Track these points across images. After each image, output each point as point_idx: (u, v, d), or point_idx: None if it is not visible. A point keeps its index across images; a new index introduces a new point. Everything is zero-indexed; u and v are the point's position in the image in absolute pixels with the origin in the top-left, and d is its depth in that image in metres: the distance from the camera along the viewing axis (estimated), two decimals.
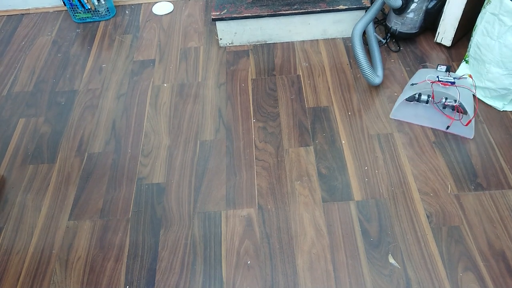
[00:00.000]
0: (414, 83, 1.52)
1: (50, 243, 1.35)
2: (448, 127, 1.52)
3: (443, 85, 1.44)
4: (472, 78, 1.59)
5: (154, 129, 1.66)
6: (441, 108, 1.54)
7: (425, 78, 1.49)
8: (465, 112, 1.47)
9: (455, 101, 1.46)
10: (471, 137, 1.51)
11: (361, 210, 1.36)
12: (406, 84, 1.64)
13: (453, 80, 1.46)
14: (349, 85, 1.76)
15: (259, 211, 1.38)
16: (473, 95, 1.54)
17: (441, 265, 1.23)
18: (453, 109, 1.51)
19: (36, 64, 1.99)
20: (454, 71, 1.75)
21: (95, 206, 1.43)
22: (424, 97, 1.55)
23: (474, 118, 1.48)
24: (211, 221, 1.37)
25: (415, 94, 1.54)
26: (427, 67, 1.75)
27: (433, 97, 1.53)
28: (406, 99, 1.54)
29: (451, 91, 1.44)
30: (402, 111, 1.59)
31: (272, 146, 1.56)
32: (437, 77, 1.48)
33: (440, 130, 1.56)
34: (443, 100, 1.52)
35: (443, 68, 1.55)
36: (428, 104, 1.57)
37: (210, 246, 1.31)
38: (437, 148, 1.51)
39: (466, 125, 1.47)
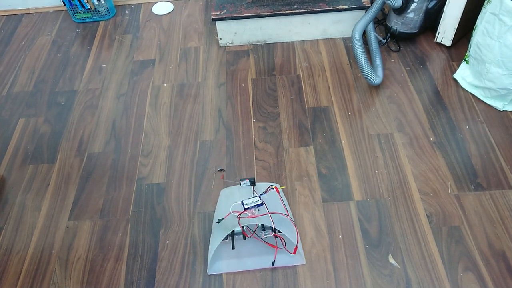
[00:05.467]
0: (219, 219, 1.22)
1: (50, 243, 1.35)
2: (273, 263, 1.25)
3: (250, 217, 1.17)
4: (277, 189, 1.29)
5: (154, 129, 1.66)
6: (261, 236, 1.26)
7: (229, 208, 1.21)
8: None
9: (272, 229, 1.21)
10: (304, 263, 1.26)
11: (361, 210, 1.36)
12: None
13: (260, 202, 1.21)
14: (349, 85, 1.76)
15: None
16: (289, 217, 1.26)
17: (441, 265, 1.23)
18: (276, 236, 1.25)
19: (36, 64, 1.99)
20: (454, 71, 1.75)
21: (95, 206, 1.43)
22: (239, 230, 1.25)
23: (299, 243, 1.25)
24: (211, 221, 1.37)
25: (227, 234, 1.23)
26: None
27: (244, 234, 1.26)
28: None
29: (264, 220, 1.18)
30: (220, 258, 1.28)
31: (272, 146, 1.56)
32: (242, 203, 1.21)
33: (438, 131, 1.56)
34: (260, 226, 1.26)
35: (246, 182, 1.30)
36: (247, 239, 1.27)
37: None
38: (437, 148, 1.51)
39: (293, 253, 1.23)
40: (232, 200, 1.26)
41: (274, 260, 1.25)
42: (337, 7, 1.87)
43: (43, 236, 1.37)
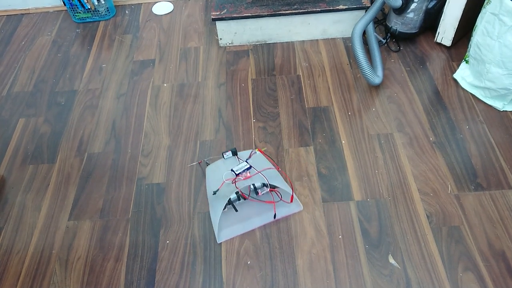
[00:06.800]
0: (214, 191, 1.29)
1: (50, 243, 1.35)
2: (275, 216, 1.34)
3: (244, 179, 1.27)
4: (260, 150, 1.41)
5: (154, 129, 1.66)
6: (257, 197, 1.37)
7: (221, 179, 1.29)
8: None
9: (264, 185, 1.33)
10: (302, 209, 1.36)
11: (361, 210, 1.36)
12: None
13: (248, 165, 1.30)
14: (349, 85, 1.76)
15: None
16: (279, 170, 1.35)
17: (441, 265, 1.23)
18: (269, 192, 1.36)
19: (36, 64, 1.99)
20: (454, 71, 1.75)
21: (95, 206, 1.43)
22: (234, 197, 1.35)
23: (293, 191, 1.34)
24: (211, 221, 1.37)
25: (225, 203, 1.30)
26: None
27: (243, 196, 1.36)
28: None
29: (256, 179, 1.27)
30: (224, 227, 1.34)
31: (272, 146, 1.56)
32: (232, 170, 1.29)
33: (438, 131, 1.56)
34: (253, 188, 1.36)
35: (229, 154, 1.38)
36: (244, 201, 1.38)
37: (210, 246, 1.31)
38: (437, 148, 1.51)
39: (291, 201, 1.33)
40: (220, 173, 1.32)
41: (275, 213, 1.33)
42: (337, 7, 1.87)
43: (43, 236, 1.37)
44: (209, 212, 1.39)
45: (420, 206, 1.36)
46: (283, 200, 1.35)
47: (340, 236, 1.31)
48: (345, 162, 1.49)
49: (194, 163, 1.50)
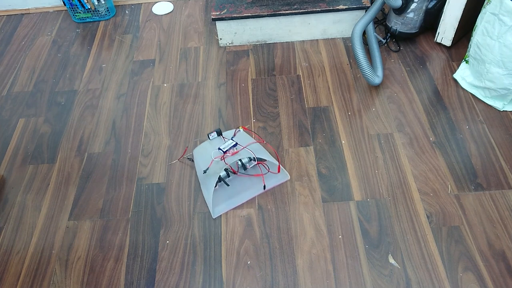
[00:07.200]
0: (204, 170, 1.34)
1: (50, 243, 1.35)
2: (264, 187, 1.41)
3: (232, 154, 1.33)
4: (244, 127, 1.47)
5: (154, 129, 1.66)
6: (245, 172, 1.44)
7: (210, 158, 1.35)
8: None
9: (251, 159, 1.40)
10: (289, 178, 1.44)
11: (361, 210, 1.36)
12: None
13: (234, 143, 1.37)
14: (349, 85, 1.76)
15: (259, 211, 1.38)
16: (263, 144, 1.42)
17: (441, 265, 1.23)
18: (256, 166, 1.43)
19: (36, 64, 1.99)
20: (454, 71, 1.75)
21: (95, 206, 1.43)
22: (224, 174, 1.42)
23: (279, 161, 1.40)
24: (211, 221, 1.37)
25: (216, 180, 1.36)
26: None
27: (233, 171, 1.43)
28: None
29: (243, 154, 1.34)
30: (218, 203, 1.40)
31: (272, 146, 1.56)
32: (219, 149, 1.36)
33: (438, 131, 1.56)
34: (241, 165, 1.42)
35: (214, 134, 1.43)
36: (233, 176, 1.45)
37: (210, 246, 1.31)
38: (437, 148, 1.51)
39: (278, 172, 1.41)
40: (208, 153, 1.38)
41: (264, 185, 1.41)
42: (337, 7, 1.87)
43: (43, 236, 1.37)
44: (209, 212, 1.39)
45: (420, 206, 1.36)
46: (270, 172, 1.42)
47: (340, 236, 1.31)
48: (345, 162, 1.49)
49: (174, 161, 1.53)
